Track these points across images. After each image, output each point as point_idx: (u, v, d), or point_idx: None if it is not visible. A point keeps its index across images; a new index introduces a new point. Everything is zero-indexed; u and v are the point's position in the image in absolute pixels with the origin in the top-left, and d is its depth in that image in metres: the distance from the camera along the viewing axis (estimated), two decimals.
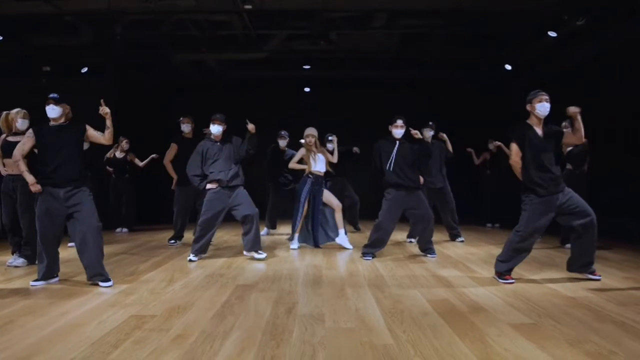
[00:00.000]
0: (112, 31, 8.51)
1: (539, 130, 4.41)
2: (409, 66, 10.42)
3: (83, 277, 4.79)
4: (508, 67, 8.89)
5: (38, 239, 4.48)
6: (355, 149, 8.18)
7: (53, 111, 4.47)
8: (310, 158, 6.63)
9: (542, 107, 4.36)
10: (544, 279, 4.63)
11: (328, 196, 6.71)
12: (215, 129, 5.75)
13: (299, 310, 3.64)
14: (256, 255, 5.75)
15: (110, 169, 8.89)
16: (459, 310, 3.61)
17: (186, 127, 7.05)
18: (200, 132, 6.83)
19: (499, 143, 8.34)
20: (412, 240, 7.21)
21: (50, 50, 9.09)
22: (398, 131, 5.72)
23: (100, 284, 4.42)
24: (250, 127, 5.74)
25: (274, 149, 7.91)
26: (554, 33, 7.07)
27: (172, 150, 7.14)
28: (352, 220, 8.67)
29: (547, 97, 4.37)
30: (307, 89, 11.59)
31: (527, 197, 4.42)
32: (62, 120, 4.57)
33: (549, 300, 3.87)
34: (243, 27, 8.60)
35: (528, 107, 4.45)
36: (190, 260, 5.64)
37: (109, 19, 8.06)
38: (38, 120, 5.98)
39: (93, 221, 4.48)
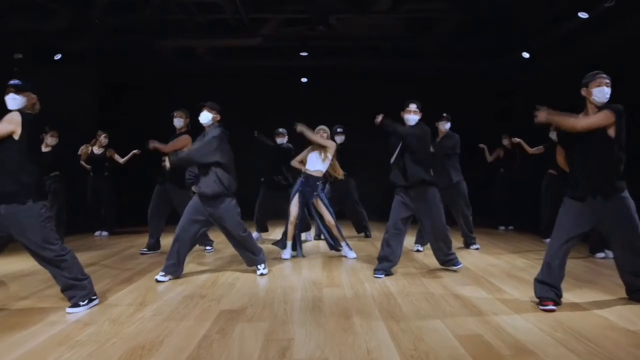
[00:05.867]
0: (91, 14, 7.70)
1: None
2: (415, 54, 9.61)
3: (36, 299, 4.02)
4: (526, 55, 8.09)
5: None
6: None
7: (13, 102, 3.56)
8: (309, 155, 5.89)
9: (601, 93, 3.59)
10: (589, 302, 3.87)
11: (321, 208, 5.90)
12: (203, 116, 4.77)
13: (296, 351, 2.87)
14: (257, 272, 4.94)
15: (88, 167, 8.07)
16: (499, 352, 2.84)
17: (177, 122, 6.17)
18: (197, 127, 6.01)
19: (518, 139, 7.56)
20: (420, 248, 6.45)
21: (23, 35, 8.25)
22: (411, 117, 4.80)
23: (67, 309, 3.62)
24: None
25: (275, 152, 7.06)
26: (585, 14, 6.27)
27: None
28: (359, 226, 7.66)
29: (607, 81, 3.59)
30: (304, 79, 10.77)
31: (565, 199, 3.78)
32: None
33: (606, 335, 3.11)
34: (234, 10, 7.79)
35: (583, 92, 3.68)
36: (157, 280, 4.63)
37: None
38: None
39: (43, 252, 3.52)
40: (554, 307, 3.62)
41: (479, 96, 10.20)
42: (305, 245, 6.48)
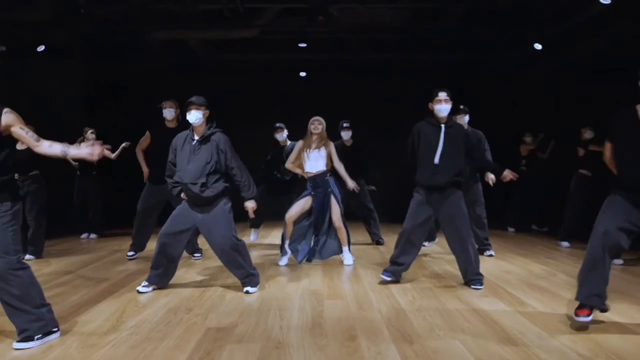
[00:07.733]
0: (76, 4, 7.25)
1: None
2: (420, 47, 9.14)
3: None
4: (538, 46, 7.62)
5: None
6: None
7: None
8: (304, 153, 5.39)
9: None
10: (628, 318, 3.42)
11: (332, 204, 5.37)
12: (193, 116, 4.12)
13: None
14: (245, 288, 4.24)
15: (75, 164, 7.60)
16: None
17: (168, 113, 5.59)
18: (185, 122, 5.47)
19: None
20: (426, 244, 6.03)
21: (5, 27, 7.79)
22: (443, 107, 4.26)
23: (15, 345, 2.93)
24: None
25: (273, 155, 6.55)
26: None
27: (146, 139, 5.83)
28: (372, 232, 7.01)
29: None
30: (302, 73, 10.30)
31: (610, 196, 3.28)
32: None
33: None
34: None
35: None
36: (139, 292, 4.18)
37: None
38: None
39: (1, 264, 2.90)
40: (588, 319, 3.16)
41: (485, 90, 9.74)
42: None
